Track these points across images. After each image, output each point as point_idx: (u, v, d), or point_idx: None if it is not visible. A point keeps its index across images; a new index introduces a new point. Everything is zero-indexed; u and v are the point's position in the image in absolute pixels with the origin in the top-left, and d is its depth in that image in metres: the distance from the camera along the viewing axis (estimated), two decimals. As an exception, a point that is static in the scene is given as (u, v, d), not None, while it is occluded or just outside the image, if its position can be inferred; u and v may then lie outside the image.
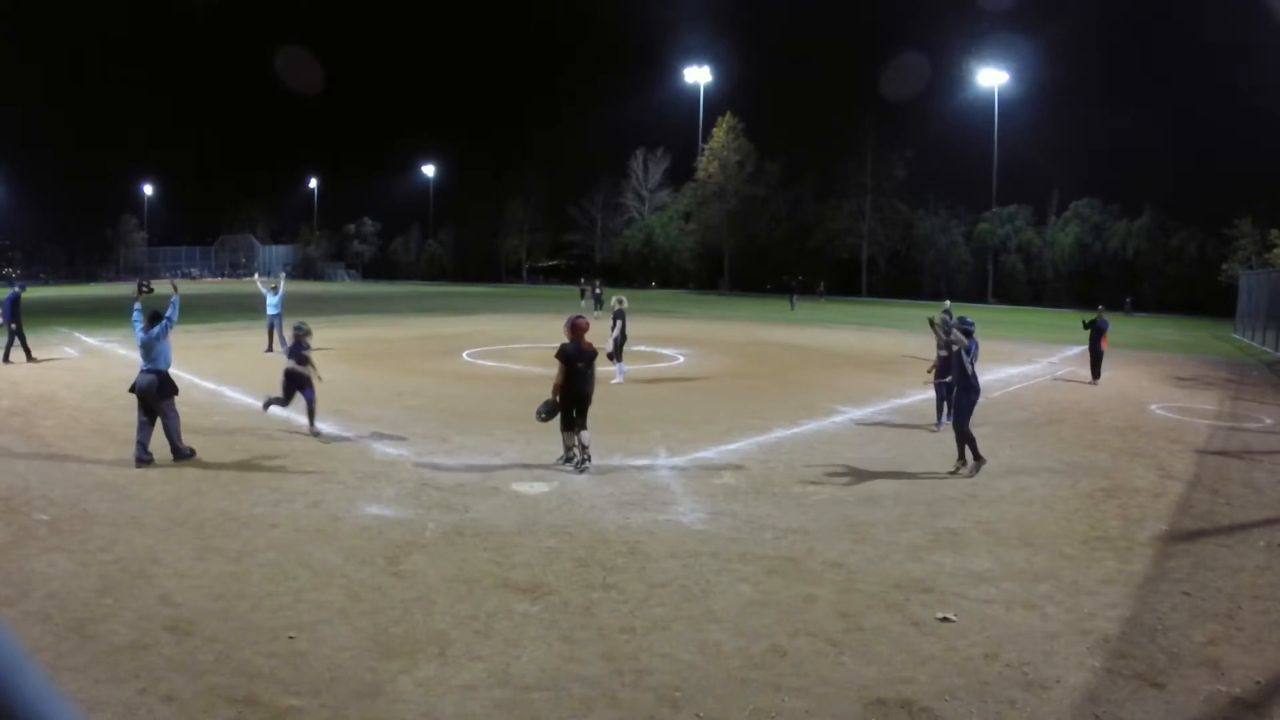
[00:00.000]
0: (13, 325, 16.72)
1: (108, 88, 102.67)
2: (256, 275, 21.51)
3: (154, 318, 8.88)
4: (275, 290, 19.45)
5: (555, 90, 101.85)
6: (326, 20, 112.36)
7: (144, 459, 8.58)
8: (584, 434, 8.74)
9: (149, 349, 8.77)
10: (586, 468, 8.63)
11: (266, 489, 7.83)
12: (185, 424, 10.77)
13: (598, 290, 36.29)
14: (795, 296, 47.08)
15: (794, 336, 27.16)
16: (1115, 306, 49.17)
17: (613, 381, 15.01)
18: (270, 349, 18.73)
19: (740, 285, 68.50)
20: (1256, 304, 30.46)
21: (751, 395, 14.39)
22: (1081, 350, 23.63)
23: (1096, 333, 16.67)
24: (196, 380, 14.65)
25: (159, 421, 8.79)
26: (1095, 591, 5.75)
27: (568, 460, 8.80)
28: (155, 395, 8.67)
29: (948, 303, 22.01)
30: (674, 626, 5.06)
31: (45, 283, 65.81)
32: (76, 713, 0.62)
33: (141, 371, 8.79)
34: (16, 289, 17.72)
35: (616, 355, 15.37)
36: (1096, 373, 16.67)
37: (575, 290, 51.46)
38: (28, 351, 16.72)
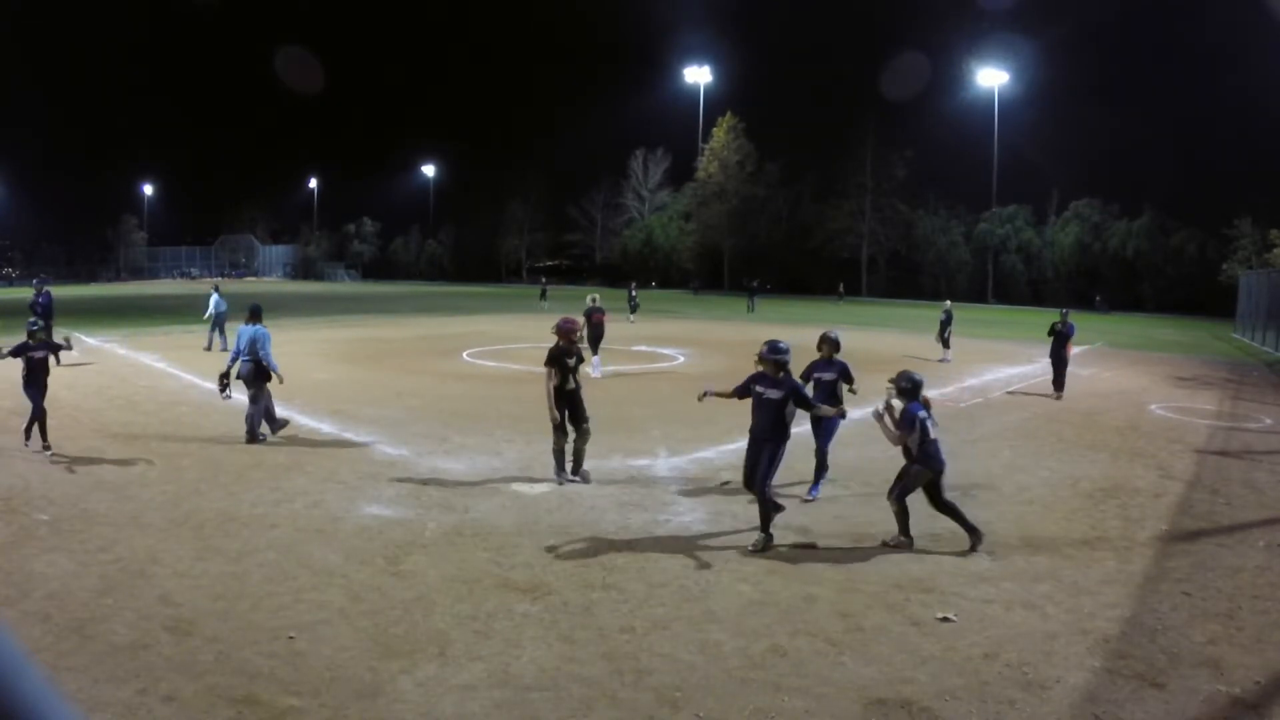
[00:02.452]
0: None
1: (108, 87, 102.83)
2: (216, 281, 21.62)
3: (254, 313, 10.23)
4: (216, 289, 20.23)
5: (556, 90, 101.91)
6: (326, 20, 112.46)
7: (256, 439, 9.80)
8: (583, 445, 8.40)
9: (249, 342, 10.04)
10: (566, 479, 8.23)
11: (266, 489, 7.83)
12: (185, 424, 10.81)
13: (633, 292, 33.55)
14: (754, 298, 42.52)
15: (794, 337, 27.11)
16: (1088, 305, 49.21)
17: (592, 375, 15.40)
18: (209, 347, 19.09)
19: (740, 286, 68.50)
20: (1256, 304, 30.43)
21: (751, 395, 14.38)
22: (1081, 350, 23.65)
23: (1060, 339, 14.81)
24: (196, 380, 14.65)
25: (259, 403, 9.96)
26: (1095, 591, 5.75)
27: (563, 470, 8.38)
28: (250, 380, 9.89)
29: (948, 303, 22.01)
30: (674, 626, 5.06)
31: (47, 282, 65.70)
32: (76, 713, 0.62)
33: (242, 361, 10.04)
34: (40, 289, 17.22)
35: (593, 349, 16.09)
36: (1060, 383, 14.76)
37: (579, 290, 50.70)
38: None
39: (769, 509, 6.48)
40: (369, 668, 4.47)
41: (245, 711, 4.00)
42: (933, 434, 6.65)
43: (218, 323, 19.42)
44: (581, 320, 9.00)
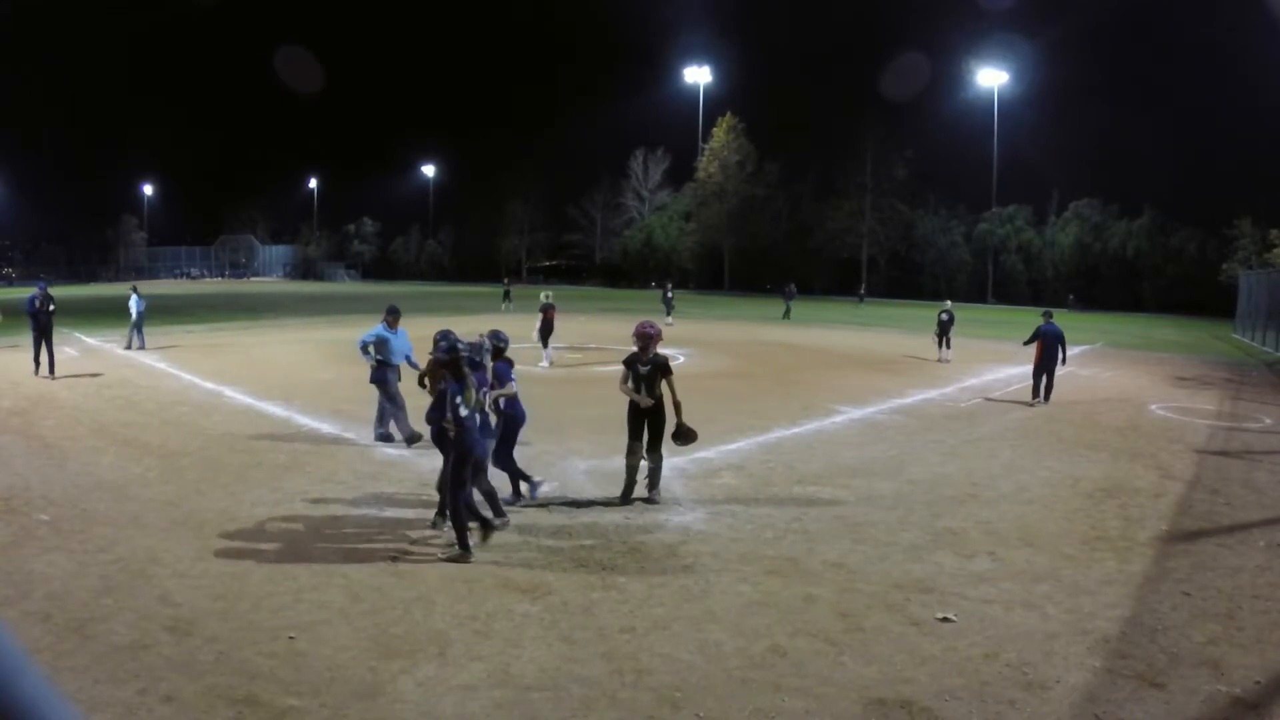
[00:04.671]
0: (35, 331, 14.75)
1: (108, 88, 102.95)
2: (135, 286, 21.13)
3: (393, 310, 10.06)
4: (134, 290, 20.48)
5: (555, 90, 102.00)
6: (326, 20, 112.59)
7: (382, 436, 9.94)
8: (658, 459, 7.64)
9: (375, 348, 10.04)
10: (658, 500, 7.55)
11: (266, 489, 7.83)
12: (185, 424, 10.80)
13: (669, 294, 32.05)
14: (790, 302, 36.96)
15: (794, 336, 27.15)
16: (1061, 303, 48.97)
17: (539, 365, 16.94)
18: (129, 347, 19.43)
19: (739, 285, 68.46)
20: (1256, 304, 30.41)
21: (751, 395, 14.39)
22: (1085, 350, 23.66)
23: (1049, 342, 13.82)
24: (197, 380, 14.66)
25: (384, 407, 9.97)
26: (1095, 591, 5.75)
27: (647, 498, 7.54)
28: (379, 381, 9.86)
29: (948, 303, 21.99)
30: (674, 626, 5.06)
31: (49, 282, 65.63)
32: (76, 713, 0.62)
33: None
34: (36, 290, 15.39)
35: (543, 343, 17.40)
36: (1044, 392, 13.87)
37: (585, 291, 49.19)
38: (36, 363, 14.78)
39: (459, 521, 6.13)
40: (369, 668, 4.47)
41: (245, 711, 4.00)
42: (515, 389, 7.27)
43: (137, 323, 19.75)
44: (658, 326, 8.22)
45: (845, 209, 66.52)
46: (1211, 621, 5.27)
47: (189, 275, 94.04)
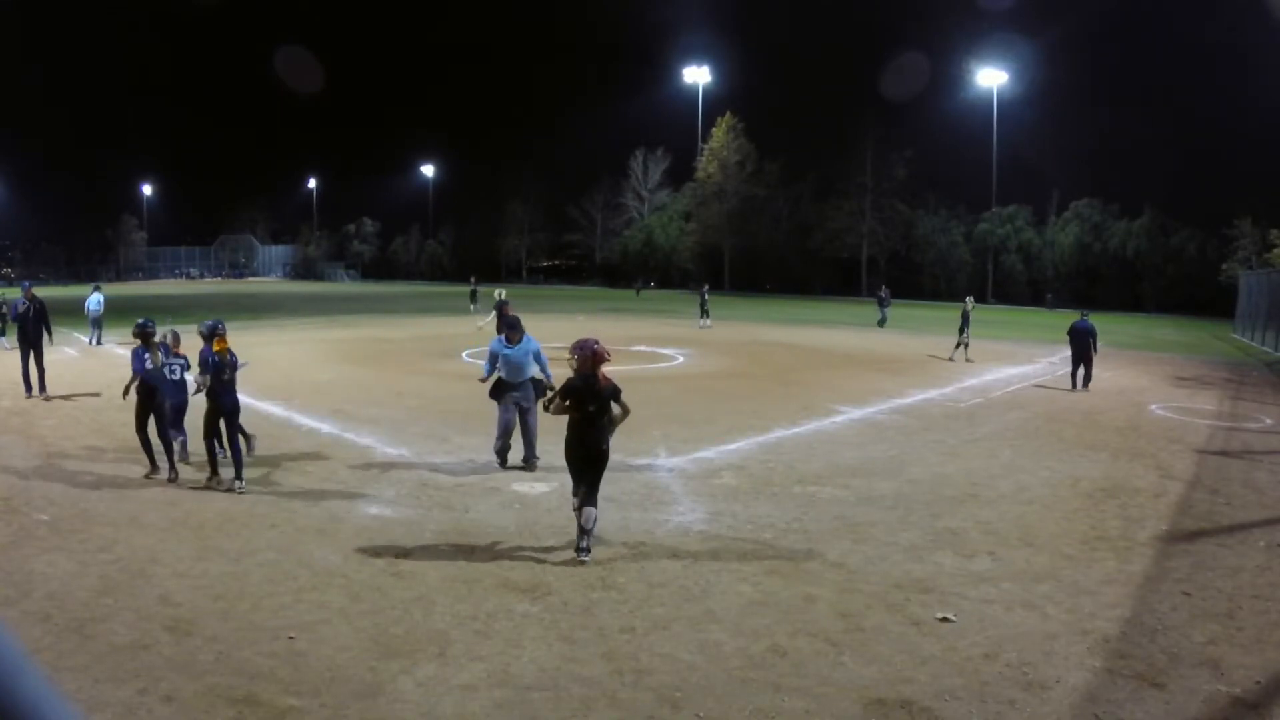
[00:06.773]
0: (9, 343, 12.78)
1: (108, 87, 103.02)
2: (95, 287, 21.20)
3: (512, 324, 9.04)
4: (96, 289, 21.14)
5: (555, 90, 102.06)
6: (326, 20, 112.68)
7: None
8: (589, 510, 6.13)
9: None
10: (585, 559, 6.05)
11: (266, 489, 7.83)
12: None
13: (705, 296, 29.52)
14: (885, 309, 31.47)
15: (794, 336, 27.14)
16: (1038, 302, 48.75)
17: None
18: (98, 343, 20.21)
19: (739, 285, 68.47)
20: (1256, 304, 30.39)
21: (751, 395, 14.39)
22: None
23: (1087, 336, 15.54)
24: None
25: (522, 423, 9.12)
26: (1095, 591, 5.75)
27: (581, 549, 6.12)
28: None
29: (970, 299, 21.69)
30: (674, 626, 5.06)
31: (45, 282, 65.70)
32: (76, 713, 0.62)
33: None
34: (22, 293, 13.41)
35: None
36: (1082, 382, 15.57)
37: (579, 291, 48.31)
38: (27, 383, 12.63)
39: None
40: (369, 668, 4.47)
41: (245, 711, 4.00)
42: (225, 376, 7.79)
43: (95, 320, 20.29)
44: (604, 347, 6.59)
45: (845, 209, 66.48)
46: (1211, 621, 5.27)
47: (188, 275, 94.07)
